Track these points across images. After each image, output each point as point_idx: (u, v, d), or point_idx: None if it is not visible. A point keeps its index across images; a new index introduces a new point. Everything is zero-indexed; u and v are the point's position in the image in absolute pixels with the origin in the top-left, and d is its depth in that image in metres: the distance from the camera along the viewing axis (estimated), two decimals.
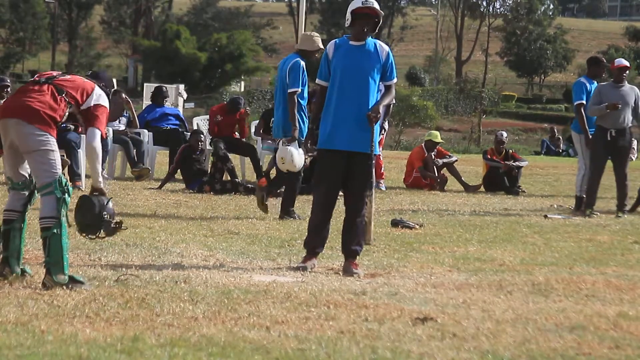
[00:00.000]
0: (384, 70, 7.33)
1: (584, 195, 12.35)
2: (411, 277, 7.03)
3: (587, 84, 12.52)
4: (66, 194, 6.08)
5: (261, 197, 10.58)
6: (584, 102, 12.36)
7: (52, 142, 6.12)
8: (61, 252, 5.97)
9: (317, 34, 10.97)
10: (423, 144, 16.63)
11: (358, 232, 7.29)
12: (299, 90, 10.34)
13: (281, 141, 10.40)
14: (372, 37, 7.44)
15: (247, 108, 15.99)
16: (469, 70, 79.16)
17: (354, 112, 7.19)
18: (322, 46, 10.23)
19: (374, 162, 7.38)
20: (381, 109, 7.27)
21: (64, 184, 6.09)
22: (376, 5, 7.27)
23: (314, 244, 7.35)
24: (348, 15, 7.31)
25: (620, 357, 4.81)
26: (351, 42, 7.33)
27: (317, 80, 7.51)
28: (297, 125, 10.28)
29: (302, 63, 10.40)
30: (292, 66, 10.34)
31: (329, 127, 7.29)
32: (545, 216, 11.92)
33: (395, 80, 7.49)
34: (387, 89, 7.46)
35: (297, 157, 10.12)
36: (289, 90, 10.34)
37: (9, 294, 5.66)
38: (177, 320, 5.17)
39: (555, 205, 13.16)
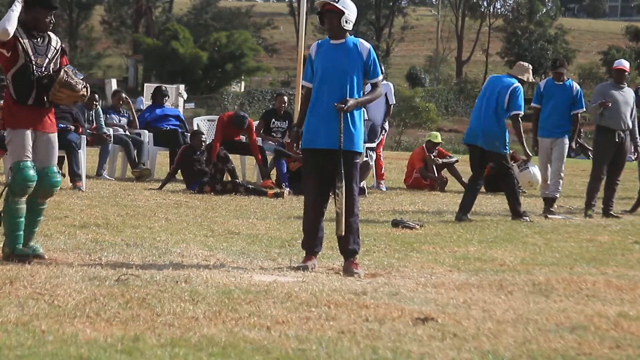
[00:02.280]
0: (365, 68, 7.32)
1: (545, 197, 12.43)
2: (412, 277, 7.03)
3: (542, 86, 12.64)
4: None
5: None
6: (538, 105, 12.63)
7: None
8: None
9: (530, 66, 11.85)
10: (424, 145, 16.66)
11: (353, 231, 7.27)
12: (522, 113, 11.33)
13: (517, 166, 11.65)
14: (354, 36, 7.47)
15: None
16: (470, 71, 79.12)
17: (335, 110, 7.18)
18: (532, 79, 11.59)
19: (358, 160, 7.34)
20: (352, 102, 7.17)
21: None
22: (337, 3, 7.22)
23: (312, 243, 7.35)
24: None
25: (621, 357, 4.81)
26: (331, 42, 7.36)
27: (302, 82, 7.54)
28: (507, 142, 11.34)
29: (522, 88, 11.37)
30: (514, 90, 11.25)
31: (311, 127, 7.31)
32: (546, 216, 11.93)
33: (380, 77, 7.44)
34: (372, 86, 7.44)
35: (537, 173, 10.78)
36: (514, 113, 11.32)
37: (10, 294, 5.66)
38: (178, 320, 5.17)
39: (556, 206, 13.14)
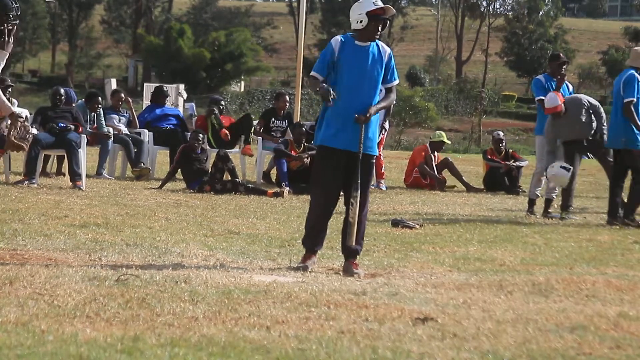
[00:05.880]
0: (385, 72, 7.30)
1: (532, 198, 12.23)
2: (411, 277, 7.03)
3: (544, 81, 12.29)
4: None
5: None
6: (544, 97, 12.09)
7: None
8: None
9: None
10: (428, 144, 16.67)
11: (359, 232, 7.26)
12: (634, 99, 11.21)
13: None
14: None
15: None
16: (469, 70, 79.16)
17: (355, 112, 7.16)
18: None
19: (373, 162, 7.36)
20: (373, 110, 7.18)
21: None
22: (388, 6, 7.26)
23: (313, 242, 7.33)
24: (362, 17, 7.16)
25: (621, 357, 4.81)
26: (357, 42, 7.27)
27: (311, 72, 7.33)
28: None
29: (637, 76, 11.32)
30: (627, 78, 11.30)
31: (330, 126, 7.26)
32: (545, 215, 11.90)
33: (396, 82, 7.43)
34: (388, 91, 7.41)
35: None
36: (625, 100, 11.23)
37: (9, 294, 5.66)
38: (178, 320, 5.17)
39: (556, 205, 13.14)
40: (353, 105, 7.17)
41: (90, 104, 14.81)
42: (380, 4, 7.21)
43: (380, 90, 7.41)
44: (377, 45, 7.31)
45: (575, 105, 11.88)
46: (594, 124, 11.83)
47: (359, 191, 7.17)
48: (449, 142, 17.14)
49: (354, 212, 7.16)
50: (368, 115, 7.13)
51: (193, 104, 26.82)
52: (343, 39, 7.31)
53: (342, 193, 7.39)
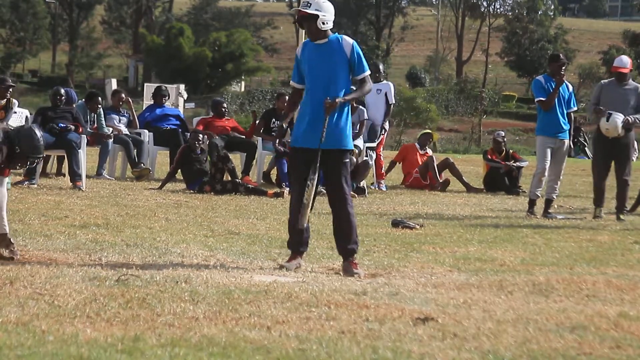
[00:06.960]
0: (350, 64, 7.23)
1: (533, 198, 12.22)
2: (412, 277, 7.03)
3: (543, 81, 12.14)
4: None
5: None
6: (543, 98, 12.05)
7: None
8: None
9: None
10: (417, 142, 16.82)
11: (351, 231, 7.25)
12: None
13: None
14: (338, 33, 7.41)
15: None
16: (469, 70, 79.13)
17: (322, 110, 7.16)
18: None
19: (348, 159, 7.27)
20: (340, 99, 7.10)
21: None
22: (309, 9, 7.16)
23: (297, 243, 7.33)
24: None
25: (621, 357, 4.81)
26: (315, 42, 7.29)
27: (290, 82, 7.51)
28: None
29: None
30: None
31: (300, 126, 7.28)
32: (545, 216, 11.91)
33: (366, 73, 7.31)
34: (360, 83, 7.35)
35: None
36: None
37: (10, 294, 5.66)
38: (178, 320, 5.17)
39: (556, 206, 13.15)
40: (316, 104, 7.17)
41: (91, 104, 14.82)
42: (301, 8, 7.23)
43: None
44: (339, 38, 7.28)
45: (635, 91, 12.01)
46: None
47: (316, 175, 7.13)
48: (436, 134, 17.37)
49: (308, 194, 7.14)
50: (335, 101, 7.06)
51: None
52: (305, 42, 7.40)
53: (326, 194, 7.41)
